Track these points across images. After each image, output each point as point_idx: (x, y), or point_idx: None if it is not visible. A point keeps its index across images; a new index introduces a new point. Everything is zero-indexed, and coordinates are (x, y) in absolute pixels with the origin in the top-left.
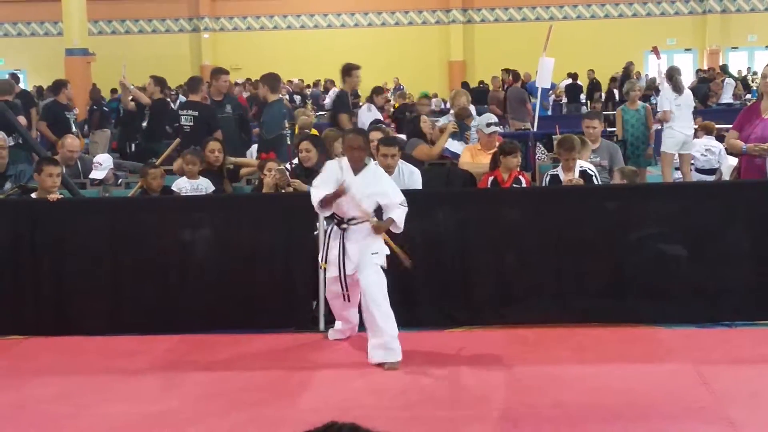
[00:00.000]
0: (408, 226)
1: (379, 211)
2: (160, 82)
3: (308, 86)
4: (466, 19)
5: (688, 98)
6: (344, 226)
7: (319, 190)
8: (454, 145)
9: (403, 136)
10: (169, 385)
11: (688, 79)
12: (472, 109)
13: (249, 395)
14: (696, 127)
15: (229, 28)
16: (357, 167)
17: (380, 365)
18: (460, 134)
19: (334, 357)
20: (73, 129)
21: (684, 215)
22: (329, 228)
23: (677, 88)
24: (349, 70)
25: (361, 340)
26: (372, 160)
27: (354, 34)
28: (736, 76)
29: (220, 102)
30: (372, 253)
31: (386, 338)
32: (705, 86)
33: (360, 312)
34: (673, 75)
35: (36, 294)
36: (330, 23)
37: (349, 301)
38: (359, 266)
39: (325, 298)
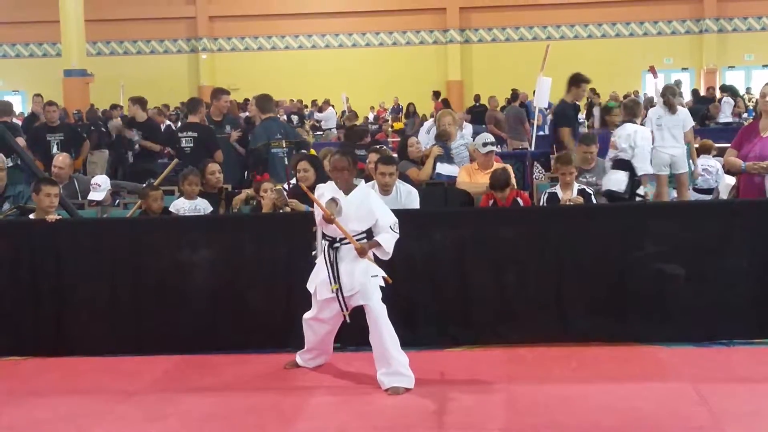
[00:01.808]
0: (407, 246)
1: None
2: (139, 101)
3: (306, 106)
4: (463, 39)
5: (676, 119)
6: (336, 245)
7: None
8: (445, 168)
9: None
10: (169, 406)
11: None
12: (469, 128)
13: (248, 417)
14: (697, 146)
15: (227, 48)
16: (345, 189)
17: (387, 390)
18: (446, 156)
19: (334, 378)
20: (53, 150)
21: (683, 234)
22: (319, 250)
23: (671, 108)
24: (578, 81)
25: (360, 361)
26: (362, 181)
27: (352, 54)
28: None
29: (219, 122)
30: (372, 276)
31: (400, 366)
32: (703, 107)
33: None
34: (665, 94)
35: (35, 315)
36: (328, 43)
37: (346, 320)
38: (362, 293)
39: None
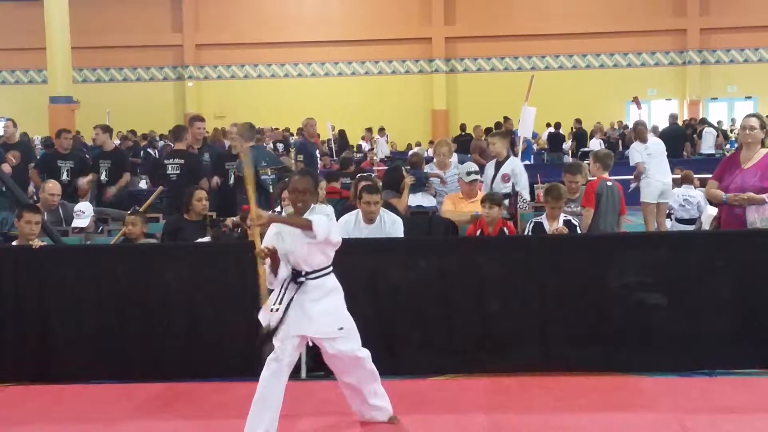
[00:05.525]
0: (391, 274)
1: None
2: (106, 129)
3: (292, 134)
4: (449, 68)
5: (657, 146)
6: (301, 279)
7: None
8: (417, 199)
9: None
10: None
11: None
12: (454, 157)
13: None
14: (678, 176)
15: (213, 76)
16: (299, 211)
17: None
18: (419, 184)
19: (317, 405)
20: (63, 177)
21: (665, 264)
22: (285, 281)
23: (641, 138)
24: None
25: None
26: (330, 206)
27: (338, 83)
28: (716, 126)
29: (199, 150)
30: (339, 329)
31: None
32: (683, 130)
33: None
34: (636, 126)
35: (18, 341)
36: (314, 72)
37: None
38: (342, 338)
39: (307, 346)
